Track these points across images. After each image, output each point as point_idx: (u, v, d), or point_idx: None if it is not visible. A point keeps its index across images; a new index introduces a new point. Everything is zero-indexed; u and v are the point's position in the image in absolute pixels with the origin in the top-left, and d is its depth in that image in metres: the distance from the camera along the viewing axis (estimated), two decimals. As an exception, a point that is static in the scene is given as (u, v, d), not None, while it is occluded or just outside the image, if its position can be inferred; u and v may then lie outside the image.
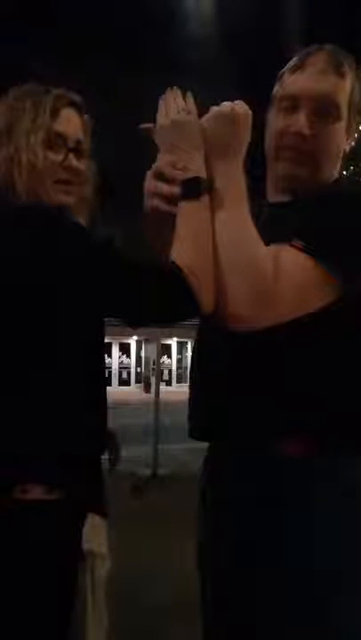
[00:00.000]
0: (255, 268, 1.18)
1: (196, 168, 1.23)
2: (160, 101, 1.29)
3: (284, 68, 1.36)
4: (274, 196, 1.40)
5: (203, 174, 1.23)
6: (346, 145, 1.35)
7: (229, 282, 1.18)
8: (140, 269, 1.18)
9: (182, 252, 1.18)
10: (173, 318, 1.21)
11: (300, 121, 1.28)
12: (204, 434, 1.39)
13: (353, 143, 1.37)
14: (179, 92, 1.28)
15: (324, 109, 1.28)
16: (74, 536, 1.24)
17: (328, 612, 1.20)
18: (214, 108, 1.26)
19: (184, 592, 3.23)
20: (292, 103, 1.30)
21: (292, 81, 1.32)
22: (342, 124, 1.30)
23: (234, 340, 1.23)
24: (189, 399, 1.42)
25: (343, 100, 1.28)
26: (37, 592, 1.19)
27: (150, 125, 1.30)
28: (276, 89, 1.36)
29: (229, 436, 1.31)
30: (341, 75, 1.28)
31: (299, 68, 1.31)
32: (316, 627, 1.20)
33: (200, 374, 1.42)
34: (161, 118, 1.28)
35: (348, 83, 1.29)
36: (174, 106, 1.26)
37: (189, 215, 1.21)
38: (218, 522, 1.35)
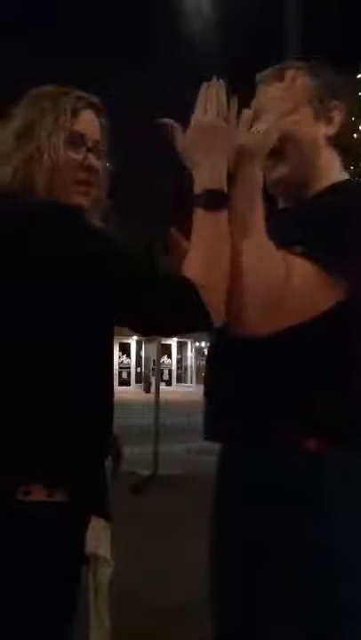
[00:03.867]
0: (271, 275, 1.21)
1: (223, 178, 1.23)
2: (201, 92, 1.27)
3: None
4: (280, 205, 1.46)
5: (225, 186, 1.23)
6: (328, 130, 1.40)
7: (245, 289, 1.20)
8: (151, 279, 1.19)
9: (195, 262, 1.19)
10: (183, 329, 1.22)
11: (260, 128, 1.37)
12: (221, 435, 1.41)
13: (336, 127, 1.41)
14: (223, 89, 1.27)
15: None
16: (76, 538, 1.24)
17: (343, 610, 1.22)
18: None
19: (184, 592, 3.24)
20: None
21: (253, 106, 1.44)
22: (302, 115, 1.37)
23: (246, 343, 1.26)
24: (205, 403, 1.44)
25: (291, 96, 1.36)
26: (39, 594, 1.19)
27: (170, 121, 1.30)
28: None
29: (245, 436, 1.34)
30: (280, 78, 1.38)
31: (254, 95, 1.42)
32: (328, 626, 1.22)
33: (214, 378, 1.45)
34: (199, 115, 1.26)
35: (291, 81, 1.37)
36: (215, 105, 1.25)
37: (207, 225, 1.21)
38: (237, 522, 1.36)
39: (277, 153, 1.36)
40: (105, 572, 1.30)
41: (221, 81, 1.27)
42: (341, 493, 1.25)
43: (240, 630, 1.35)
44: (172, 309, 1.18)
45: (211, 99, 1.25)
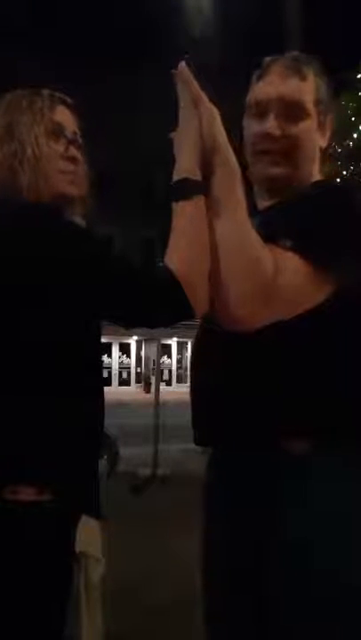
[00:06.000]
0: (258, 268, 1.18)
1: (191, 167, 1.22)
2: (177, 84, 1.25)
3: (253, 77, 1.42)
4: (260, 203, 1.44)
5: (195, 174, 1.21)
6: (322, 142, 1.40)
7: (232, 282, 1.18)
8: (132, 272, 1.18)
9: (176, 253, 1.18)
10: (164, 321, 1.21)
11: (270, 123, 1.34)
12: (212, 439, 1.40)
13: (327, 141, 1.41)
14: (191, 76, 1.24)
15: (289, 110, 1.34)
16: (65, 537, 1.23)
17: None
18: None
19: (184, 592, 3.24)
20: (261, 109, 1.36)
21: (258, 88, 1.39)
22: (311, 122, 1.36)
23: (233, 341, 1.24)
24: (192, 405, 1.42)
25: (308, 100, 1.35)
26: (29, 593, 1.19)
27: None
28: (248, 97, 1.42)
29: (237, 438, 1.32)
30: (303, 77, 1.35)
31: (262, 75, 1.38)
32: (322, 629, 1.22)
33: (201, 379, 1.43)
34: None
35: (310, 84, 1.36)
36: (186, 95, 1.24)
37: (182, 216, 1.20)
38: (230, 522, 1.35)
39: (279, 153, 1.34)
40: (96, 571, 1.29)
41: (186, 67, 1.23)
42: (327, 495, 1.24)
43: (230, 631, 1.35)
44: (154, 302, 1.17)
45: (181, 90, 1.24)
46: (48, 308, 1.20)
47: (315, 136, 1.37)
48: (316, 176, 1.40)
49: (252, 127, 1.39)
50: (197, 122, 1.23)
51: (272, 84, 1.35)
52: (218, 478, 1.41)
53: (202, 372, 1.43)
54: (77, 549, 1.24)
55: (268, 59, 1.39)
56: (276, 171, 1.35)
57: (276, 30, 6.81)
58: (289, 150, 1.34)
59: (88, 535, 1.25)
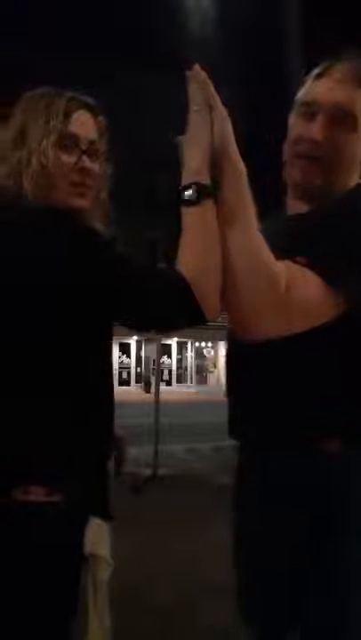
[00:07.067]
0: (269, 278, 1.16)
1: (200, 171, 1.19)
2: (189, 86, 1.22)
3: (308, 75, 1.38)
4: (292, 207, 1.41)
5: (203, 179, 1.19)
6: None
7: (242, 291, 1.17)
8: (144, 276, 1.18)
9: (187, 258, 1.17)
10: (175, 326, 1.21)
11: (315, 127, 1.30)
12: (243, 435, 1.42)
13: None
14: (205, 78, 1.21)
15: (339, 118, 1.29)
16: (75, 538, 1.24)
17: None
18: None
19: (184, 592, 3.25)
20: (310, 109, 1.32)
21: (311, 88, 1.35)
22: (358, 134, 1.31)
23: (263, 344, 1.22)
24: (228, 402, 1.44)
25: (360, 111, 1.30)
26: (38, 594, 1.19)
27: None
28: (298, 95, 1.38)
29: (266, 437, 1.33)
30: (360, 86, 1.30)
31: (319, 76, 1.34)
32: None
33: (234, 378, 1.45)
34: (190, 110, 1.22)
35: None
36: (198, 97, 1.20)
37: (191, 221, 1.19)
38: (260, 521, 1.36)
39: (318, 160, 1.31)
40: (105, 572, 1.30)
41: (200, 69, 1.20)
42: None
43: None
44: (166, 307, 1.17)
45: (193, 92, 1.20)
46: (62, 311, 1.20)
47: (358, 148, 1.32)
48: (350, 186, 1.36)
49: (297, 127, 1.35)
50: (210, 125, 1.19)
51: (327, 87, 1.31)
52: (248, 476, 1.42)
53: (235, 371, 1.45)
54: (86, 550, 1.24)
55: (328, 60, 1.34)
56: (311, 179, 1.32)
57: (276, 31, 6.81)
58: (327, 158, 1.30)
59: (97, 536, 1.26)
